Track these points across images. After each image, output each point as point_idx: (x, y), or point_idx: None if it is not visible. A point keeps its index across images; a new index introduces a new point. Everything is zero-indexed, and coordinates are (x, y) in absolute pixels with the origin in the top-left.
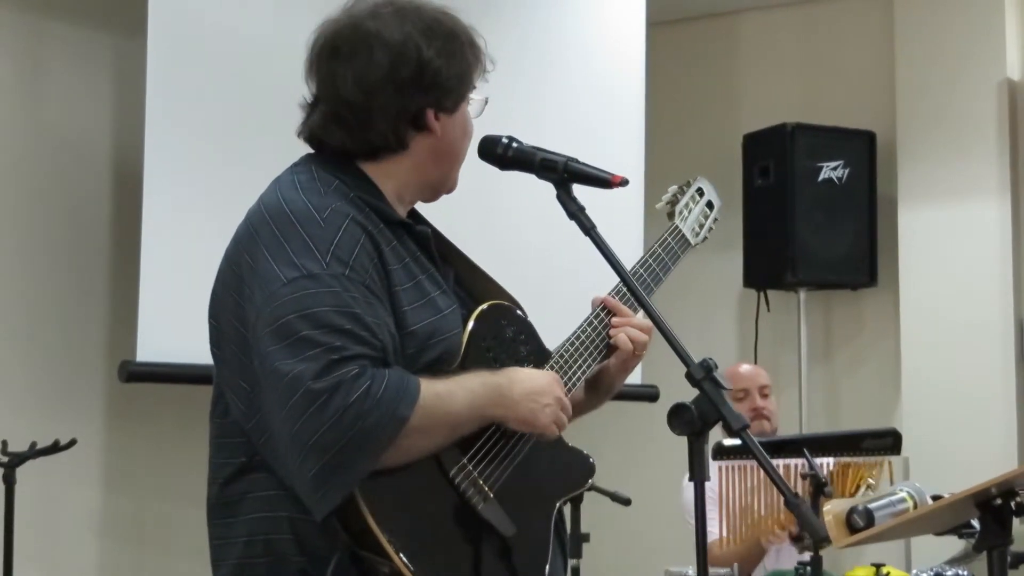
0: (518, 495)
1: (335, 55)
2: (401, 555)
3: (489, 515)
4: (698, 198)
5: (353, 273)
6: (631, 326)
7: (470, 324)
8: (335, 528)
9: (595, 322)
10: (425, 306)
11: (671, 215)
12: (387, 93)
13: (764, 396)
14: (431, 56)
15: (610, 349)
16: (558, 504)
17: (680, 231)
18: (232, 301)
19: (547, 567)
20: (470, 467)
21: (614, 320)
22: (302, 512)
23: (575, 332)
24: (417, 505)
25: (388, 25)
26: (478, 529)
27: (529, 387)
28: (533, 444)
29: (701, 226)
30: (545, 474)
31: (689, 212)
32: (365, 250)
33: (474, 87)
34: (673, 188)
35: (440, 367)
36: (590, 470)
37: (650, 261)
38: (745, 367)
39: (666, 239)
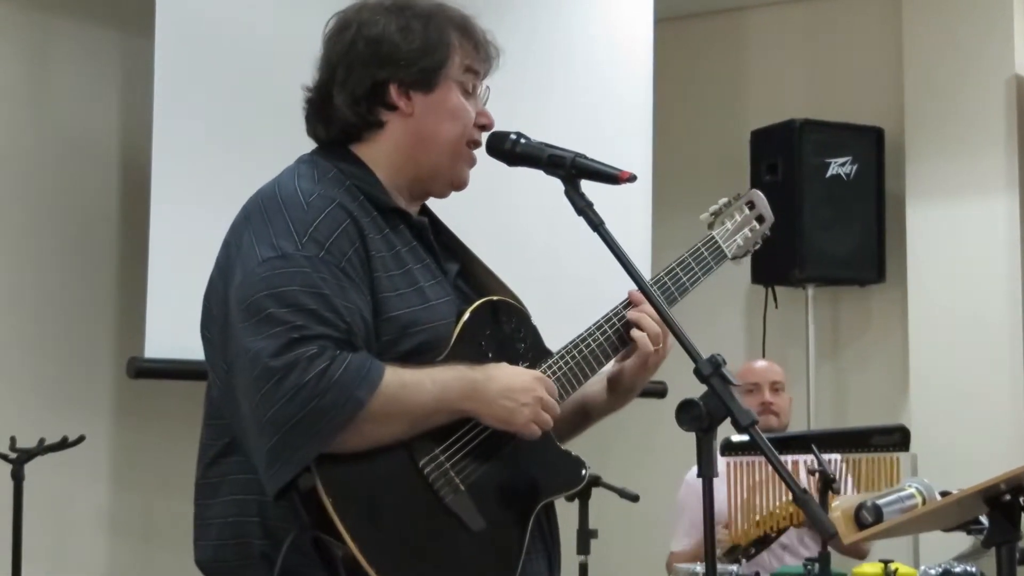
0: (494, 492)
1: (322, 45)
2: (355, 539)
3: (457, 508)
4: (746, 210)
5: (328, 255)
6: (647, 314)
7: (465, 315)
8: (299, 511)
9: (613, 318)
10: (411, 294)
11: (711, 225)
12: (344, 67)
13: (775, 391)
14: (391, 31)
15: (627, 346)
16: (540, 505)
17: (716, 242)
18: (222, 283)
19: (518, 567)
20: (442, 458)
21: (630, 313)
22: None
23: (590, 327)
24: (381, 492)
25: (366, 9)
26: (444, 521)
27: (507, 384)
28: (520, 442)
29: (746, 239)
30: (528, 474)
31: (732, 223)
32: (346, 234)
33: (448, 67)
34: (723, 199)
35: (422, 357)
36: (579, 476)
37: (677, 269)
38: (760, 363)
39: (699, 249)
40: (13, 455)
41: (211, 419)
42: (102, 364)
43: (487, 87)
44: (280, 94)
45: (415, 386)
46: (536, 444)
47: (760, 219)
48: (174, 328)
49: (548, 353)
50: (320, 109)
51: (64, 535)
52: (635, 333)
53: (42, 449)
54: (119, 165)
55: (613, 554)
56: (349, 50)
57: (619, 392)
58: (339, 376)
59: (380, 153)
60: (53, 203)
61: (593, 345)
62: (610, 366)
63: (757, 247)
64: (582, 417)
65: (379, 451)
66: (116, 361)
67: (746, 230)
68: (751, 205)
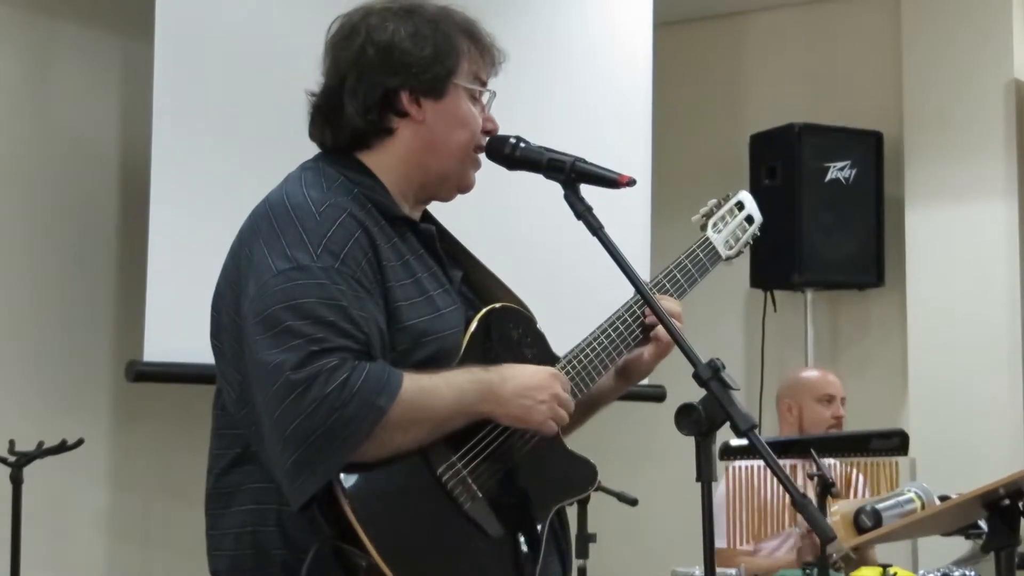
0: (511, 497)
1: (327, 49)
2: (379, 549)
3: (476, 514)
4: (736, 211)
5: (343, 266)
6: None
7: (473, 324)
8: (319, 521)
9: (626, 316)
10: (422, 303)
11: (704, 227)
12: (354, 74)
13: (842, 405)
14: (401, 38)
15: (644, 339)
16: (554, 509)
17: (710, 243)
18: (231, 292)
19: (536, 571)
20: (459, 465)
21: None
22: (289, 505)
23: (595, 332)
24: (401, 501)
25: (373, 14)
26: (464, 528)
27: (522, 383)
28: (533, 447)
29: (737, 240)
30: (543, 478)
31: (724, 225)
32: (359, 244)
33: (458, 74)
34: (712, 201)
35: (435, 365)
36: (592, 478)
37: (674, 272)
38: (832, 375)
39: (694, 251)
40: (12, 458)
41: (221, 428)
42: (101, 367)
43: (492, 92)
44: (280, 97)
45: (433, 391)
46: (548, 448)
47: (750, 219)
48: (173, 331)
49: (555, 358)
50: (329, 116)
51: (63, 538)
52: (660, 331)
53: (41, 452)
54: (119, 168)
55: (612, 558)
56: (359, 56)
57: (630, 378)
58: (360, 386)
59: (388, 160)
60: (52, 206)
61: (598, 348)
62: None
63: (748, 247)
64: (587, 408)
65: (398, 460)
66: (115, 364)
67: (737, 231)
68: (740, 206)
